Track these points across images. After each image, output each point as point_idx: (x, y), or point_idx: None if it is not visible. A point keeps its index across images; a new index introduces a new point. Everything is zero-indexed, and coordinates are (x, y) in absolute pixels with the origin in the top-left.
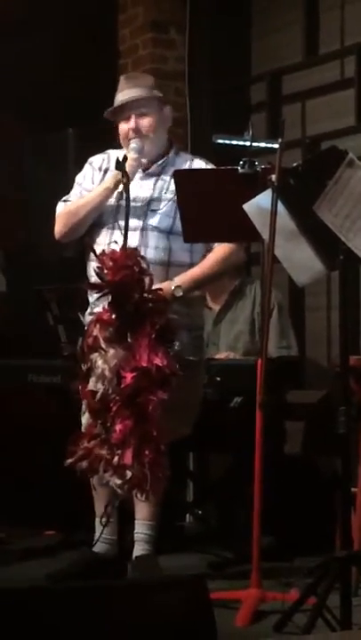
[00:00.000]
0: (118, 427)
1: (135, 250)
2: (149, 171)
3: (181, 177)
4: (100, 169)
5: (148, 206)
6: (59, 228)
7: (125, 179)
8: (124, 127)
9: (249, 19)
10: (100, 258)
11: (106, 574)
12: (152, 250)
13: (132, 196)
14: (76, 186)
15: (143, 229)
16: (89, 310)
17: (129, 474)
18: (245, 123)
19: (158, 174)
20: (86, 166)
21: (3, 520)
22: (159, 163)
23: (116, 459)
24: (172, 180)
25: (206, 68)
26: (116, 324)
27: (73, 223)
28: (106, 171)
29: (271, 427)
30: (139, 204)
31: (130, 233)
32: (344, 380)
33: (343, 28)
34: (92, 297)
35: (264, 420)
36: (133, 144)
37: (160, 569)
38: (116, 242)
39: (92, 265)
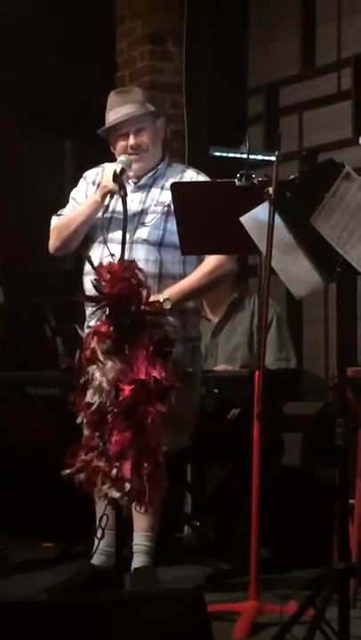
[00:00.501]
0: (116, 438)
1: (133, 262)
2: (140, 183)
3: (179, 189)
4: (93, 183)
5: (138, 219)
6: (52, 241)
7: (123, 191)
8: (122, 144)
9: (246, 31)
10: (97, 270)
11: (104, 586)
12: (142, 263)
13: (121, 208)
14: (70, 200)
15: (132, 242)
16: (86, 323)
17: (128, 486)
18: (242, 135)
19: (150, 186)
20: (81, 181)
21: (1, 532)
22: (150, 175)
23: (114, 471)
24: (162, 192)
25: (203, 81)
26: (114, 337)
27: (65, 237)
28: (99, 185)
29: (269, 438)
30: (128, 219)
31: (117, 246)
32: (342, 392)
33: (340, 40)
34: (89, 310)
35: (262, 431)
36: (122, 157)
37: (158, 581)
38: (113, 255)
39: (89, 278)
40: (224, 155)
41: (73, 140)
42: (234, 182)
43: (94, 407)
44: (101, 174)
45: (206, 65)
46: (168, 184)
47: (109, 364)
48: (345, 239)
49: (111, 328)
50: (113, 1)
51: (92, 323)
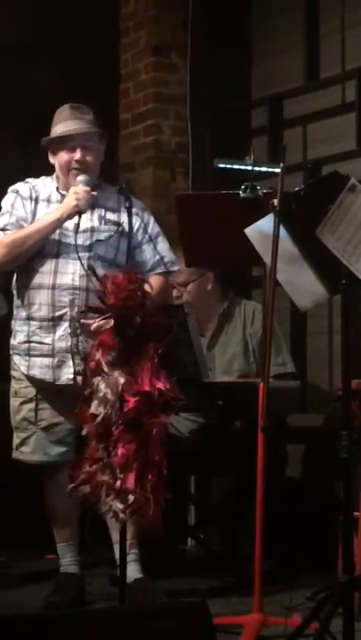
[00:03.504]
0: (120, 450)
1: (138, 274)
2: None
3: (182, 201)
4: (30, 198)
5: (93, 236)
6: (0, 257)
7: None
8: (66, 157)
9: (250, 43)
10: (102, 281)
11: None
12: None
13: (71, 225)
14: (6, 214)
15: (89, 259)
16: (16, 340)
17: (131, 498)
18: (246, 147)
19: (92, 206)
20: (12, 195)
21: (4, 544)
22: (94, 194)
23: (118, 483)
24: (108, 211)
25: (207, 92)
26: (119, 348)
27: (17, 253)
28: (36, 199)
29: (273, 450)
30: (81, 234)
31: (72, 262)
32: (346, 404)
33: (344, 52)
34: (31, 325)
35: (266, 443)
36: (81, 177)
37: (159, 590)
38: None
39: (33, 292)
40: (228, 166)
41: None
42: (238, 194)
43: (99, 419)
44: (34, 190)
45: (210, 77)
46: (109, 204)
47: (114, 375)
48: (350, 251)
49: (116, 339)
50: (117, 13)
51: (33, 338)
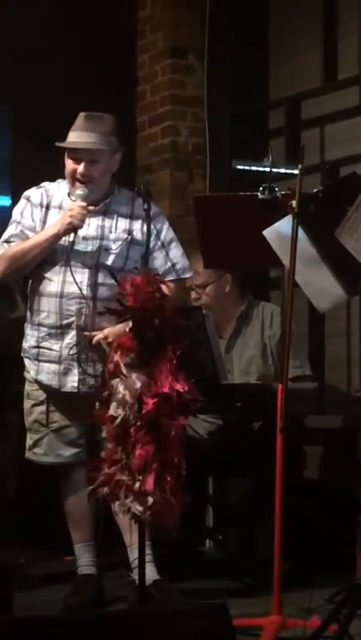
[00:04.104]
0: (138, 452)
1: (157, 275)
2: (94, 209)
3: (200, 203)
4: (40, 205)
5: (100, 245)
6: (2, 269)
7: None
8: (72, 166)
9: (267, 44)
10: (120, 283)
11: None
12: (106, 288)
13: (81, 234)
14: (13, 224)
15: (96, 268)
16: (28, 344)
17: (150, 500)
18: (264, 148)
19: (103, 213)
20: (23, 201)
21: (23, 545)
22: (106, 201)
23: (137, 484)
24: (119, 220)
25: (225, 94)
26: (138, 350)
27: (18, 266)
28: (47, 206)
29: (291, 451)
30: (90, 243)
31: (80, 270)
32: None
33: None
34: (40, 331)
35: (284, 444)
36: (80, 191)
37: (177, 592)
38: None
39: (44, 299)
40: (246, 168)
41: None
42: (256, 195)
43: (118, 421)
44: (46, 196)
45: (228, 78)
46: (122, 210)
47: (133, 377)
48: None
49: (135, 341)
50: (134, 15)
51: (43, 344)
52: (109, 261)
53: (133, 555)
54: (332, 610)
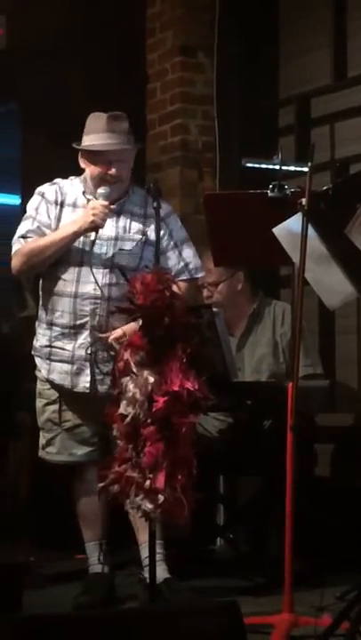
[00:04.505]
0: (149, 450)
1: (167, 273)
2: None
3: (210, 201)
4: (55, 202)
5: (115, 245)
6: (19, 265)
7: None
8: (98, 170)
9: (277, 42)
10: (130, 282)
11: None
12: (118, 288)
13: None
14: (29, 219)
15: (111, 268)
16: (39, 342)
17: (161, 498)
18: (274, 146)
19: (118, 213)
20: (37, 198)
21: (34, 544)
22: (120, 201)
23: (147, 482)
24: (133, 219)
25: (235, 92)
26: (148, 349)
27: (34, 263)
28: (62, 204)
29: (302, 449)
30: (105, 243)
31: (95, 270)
32: None
33: None
34: (53, 331)
35: (294, 442)
36: (102, 190)
37: (188, 591)
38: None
39: (56, 298)
40: (256, 166)
41: None
42: (266, 193)
43: (128, 419)
44: (60, 193)
45: (237, 76)
46: (136, 210)
47: (143, 375)
48: None
49: (145, 340)
50: (144, 13)
51: (56, 343)
52: (124, 261)
53: (145, 553)
54: (343, 608)
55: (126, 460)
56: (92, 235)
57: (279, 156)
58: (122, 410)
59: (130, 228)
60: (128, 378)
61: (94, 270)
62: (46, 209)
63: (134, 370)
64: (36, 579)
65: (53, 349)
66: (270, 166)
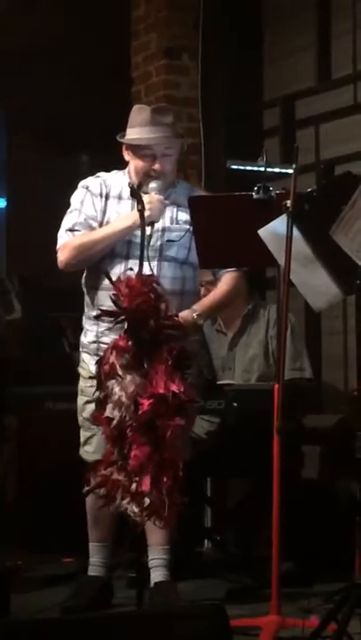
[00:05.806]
0: (135, 453)
1: (151, 276)
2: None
3: (197, 203)
4: (100, 195)
5: (163, 237)
6: (68, 258)
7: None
8: (144, 164)
9: (261, 44)
10: (115, 285)
11: (107, 597)
12: (169, 280)
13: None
14: (75, 212)
15: (160, 260)
16: (86, 339)
17: (147, 501)
18: (259, 148)
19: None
20: (82, 190)
21: (21, 547)
22: (167, 192)
23: (133, 485)
24: (179, 210)
25: (219, 94)
26: (133, 351)
27: (85, 256)
28: (107, 196)
29: (289, 451)
30: (153, 235)
31: (145, 263)
32: None
33: (355, 52)
34: (103, 326)
35: (282, 445)
36: (154, 184)
37: (179, 594)
38: (131, 269)
39: (107, 293)
40: (241, 168)
41: (88, 153)
42: (251, 195)
43: (114, 422)
44: (105, 186)
45: (222, 78)
46: (181, 200)
47: (128, 378)
48: None
49: (130, 342)
50: (128, 15)
51: (103, 339)
52: (173, 253)
53: (151, 554)
54: (330, 609)
55: (112, 462)
56: (148, 229)
57: (264, 158)
58: (108, 413)
59: (177, 219)
60: (114, 381)
61: (133, 262)
62: (92, 201)
63: (120, 373)
64: (23, 583)
65: (101, 345)
66: (255, 168)
